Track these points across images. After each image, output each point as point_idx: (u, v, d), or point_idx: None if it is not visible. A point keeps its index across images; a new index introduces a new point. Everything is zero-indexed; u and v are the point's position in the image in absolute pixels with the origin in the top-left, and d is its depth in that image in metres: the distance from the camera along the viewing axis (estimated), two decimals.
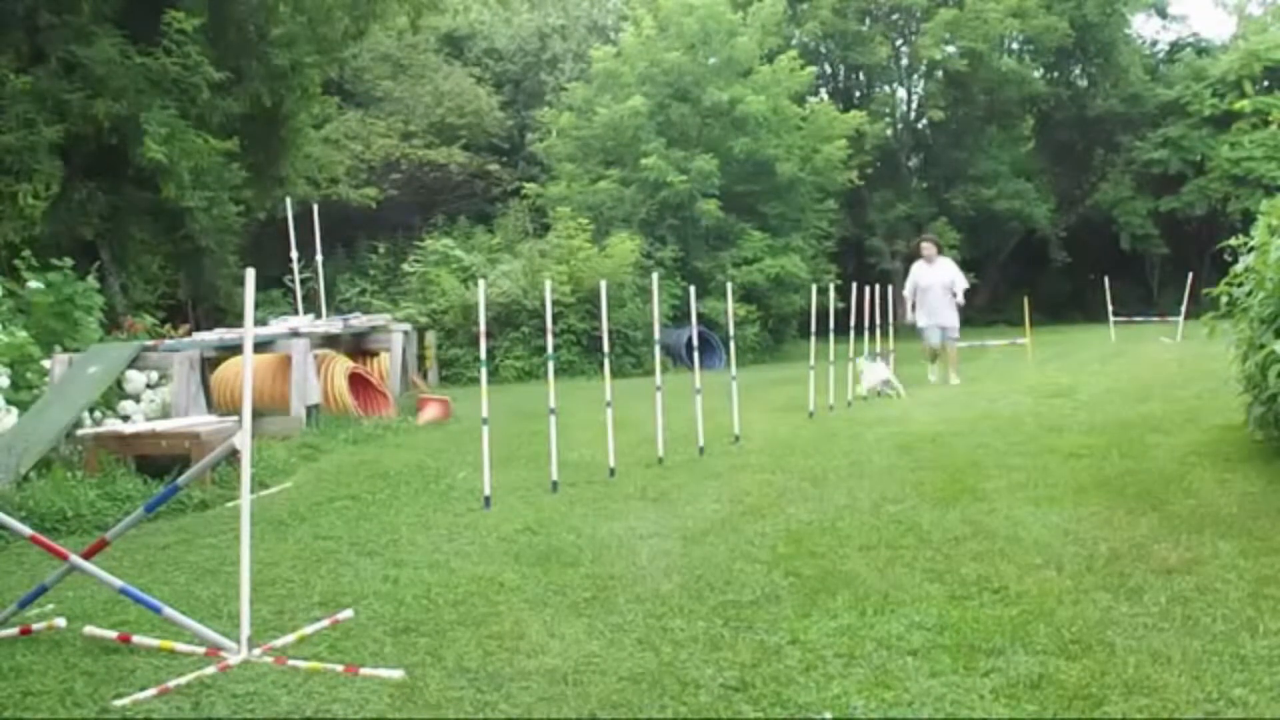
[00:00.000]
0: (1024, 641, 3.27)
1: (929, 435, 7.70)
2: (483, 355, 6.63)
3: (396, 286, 18.83)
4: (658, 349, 9.21)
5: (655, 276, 9.21)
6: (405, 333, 12.17)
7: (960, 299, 12.07)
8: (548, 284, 7.52)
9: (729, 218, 19.67)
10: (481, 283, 7.00)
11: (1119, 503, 5.08)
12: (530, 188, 21.19)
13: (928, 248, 12.30)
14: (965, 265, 29.00)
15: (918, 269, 12.23)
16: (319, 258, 12.33)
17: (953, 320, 12.01)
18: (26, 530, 3.87)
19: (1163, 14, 30.76)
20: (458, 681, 3.17)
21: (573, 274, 16.54)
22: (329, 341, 10.60)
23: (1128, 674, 2.98)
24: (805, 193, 21.40)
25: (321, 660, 3.36)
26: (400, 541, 5.10)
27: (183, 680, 3.20)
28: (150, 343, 8.88)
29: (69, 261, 9.08)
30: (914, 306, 12.19)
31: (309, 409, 9.16)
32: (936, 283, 11.96)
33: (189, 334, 10.72)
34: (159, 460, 6.51)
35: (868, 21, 27.51)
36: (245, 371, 3.65)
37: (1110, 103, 28.22)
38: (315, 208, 12.30)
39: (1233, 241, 6.59)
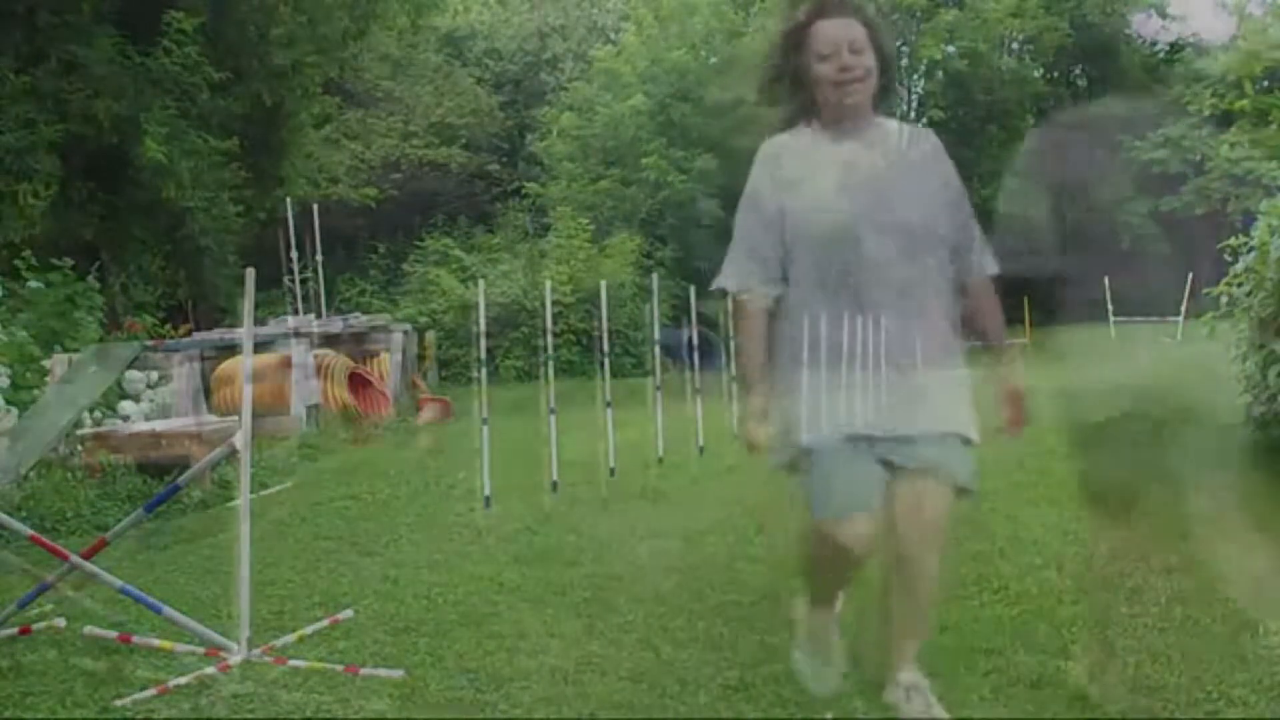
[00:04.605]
0: (1024, 641, 3.26)
1: None
2: (482, 355, 6.63)
3: (396, 286, 18.85)
4: (657, 349, 9.21)
5: (655, 276, 9.21)
6: (405, 333, 12.18)
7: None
8: (548, 284, 7.52)
9: (730, 218, 19.69)
10: (481, 283, 7.00)
11: (1119, 502, 5.08)
12: (530, 188, 21.18)
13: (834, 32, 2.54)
14: None
15: (782, 167, 2.68)
16: (319, 258, 12.34)
17: (946, 408, 2.67)
18: (26, 530, 3.87)
19: (1163, 14, 30.76)
20: (458, 681, 3.16)
21: (573, 274, 16.53)
22: (329, 341, 10.61)
23: (1128, 674, 2.98)
24: None
25: (321, 660, 3.36)
26: (400, 541, 5.10)
27: (183, 680, 3.20)
28: (150, 343, 8.89)
29: (69, 261, 9.08)
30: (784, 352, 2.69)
31: (309, 409, 9.16)
32: (884, 223, 2.52)
33: (189, 334, 10.73)
34: (159, 460, 6.51)
35: None
36: (245, 371, 3.65)
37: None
38: (315, 208, 12.31)
39: (1233, 241, 6.59)
